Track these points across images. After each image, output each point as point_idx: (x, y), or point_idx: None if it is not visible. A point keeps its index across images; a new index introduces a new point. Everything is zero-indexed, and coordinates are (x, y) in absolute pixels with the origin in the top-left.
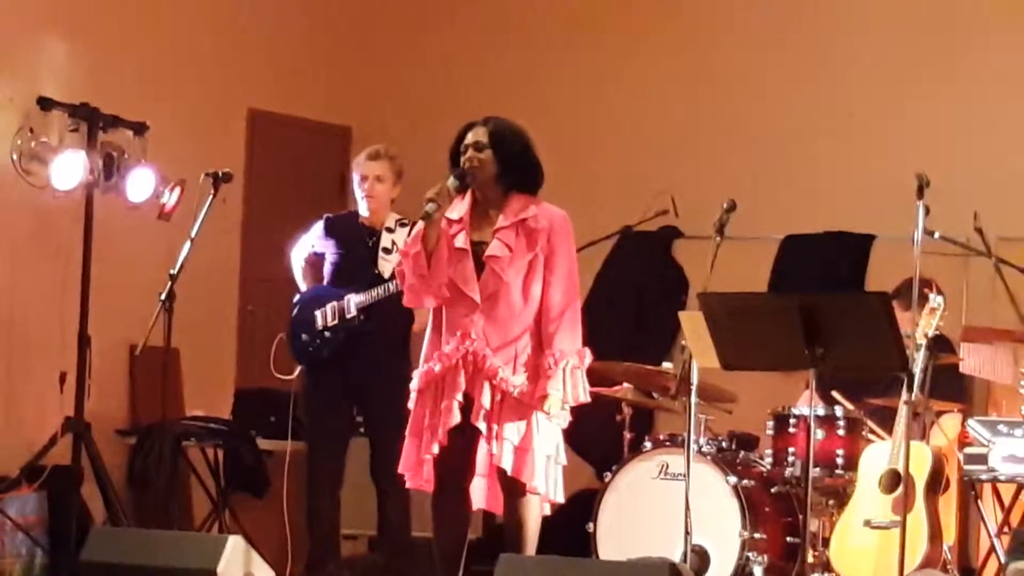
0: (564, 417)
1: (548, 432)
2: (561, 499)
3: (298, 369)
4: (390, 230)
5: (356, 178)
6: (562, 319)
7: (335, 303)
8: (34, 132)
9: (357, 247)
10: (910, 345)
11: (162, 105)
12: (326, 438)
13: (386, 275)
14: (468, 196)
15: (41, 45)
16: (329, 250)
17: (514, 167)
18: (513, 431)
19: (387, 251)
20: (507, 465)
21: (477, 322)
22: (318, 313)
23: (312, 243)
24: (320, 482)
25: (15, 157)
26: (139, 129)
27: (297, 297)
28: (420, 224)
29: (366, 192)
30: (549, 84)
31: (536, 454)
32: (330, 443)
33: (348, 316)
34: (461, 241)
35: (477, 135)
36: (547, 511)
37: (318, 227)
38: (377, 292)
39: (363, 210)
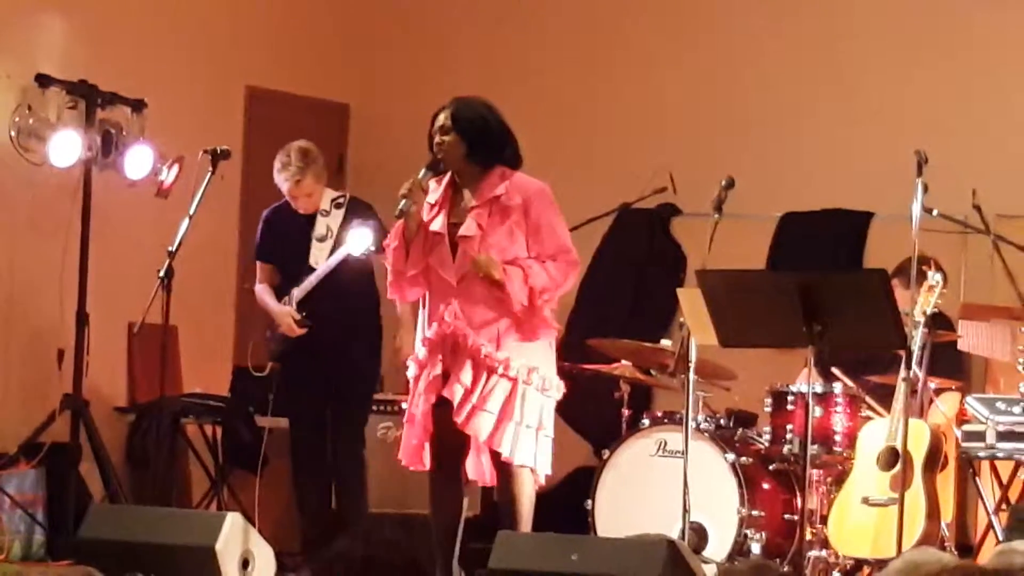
0: (557, 388)
1: (534, 404)
2: (548, 471)
3: (269, 365)
4: (325, 213)
5: (283, 186)
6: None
7: (284, 300)
8: (32, 109)
9: (293, 241)
10: (908, 322)
11: (160, 82)
12: (303, 415)
13: (319, 265)
14: (446, 178)
15: (39, 22)
16: (272, 248)
17: (480, 143)
18: (497, 405)
19: (320, 239)
20: (483, 435)
21: (454, 303)
22: None
23: (263, 245)
24: (303, 459)
25: (13, 134)
26: (137, 106)
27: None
28: (398, 222)
29: (297, 205)
30: (546, 62)
31: (519, 427)
32: (308, 419)
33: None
34: (437, 225)
35: (441, 119)
36: (542, 482)
37: (262, 225)
38: (308, 283)
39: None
